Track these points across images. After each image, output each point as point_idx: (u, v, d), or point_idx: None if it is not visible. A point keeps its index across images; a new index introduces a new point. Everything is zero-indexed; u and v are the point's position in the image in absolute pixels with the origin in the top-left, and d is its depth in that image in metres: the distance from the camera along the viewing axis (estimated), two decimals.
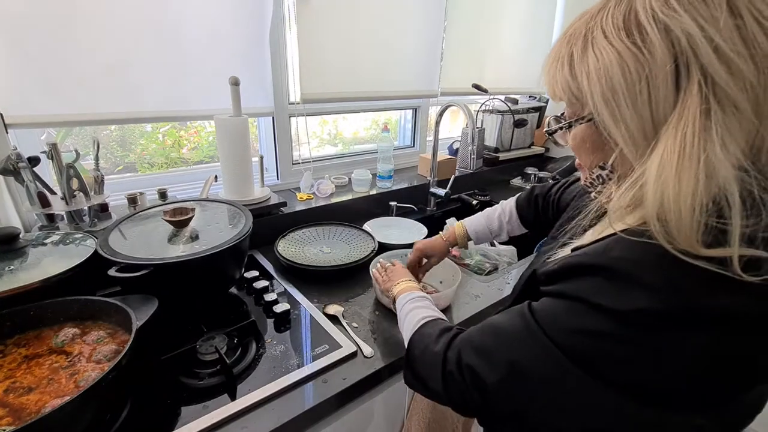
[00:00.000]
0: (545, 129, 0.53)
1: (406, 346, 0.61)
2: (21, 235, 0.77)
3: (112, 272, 0.69)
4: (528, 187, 1.79)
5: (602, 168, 0.45)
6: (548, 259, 0.50)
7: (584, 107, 0.43)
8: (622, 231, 0.39)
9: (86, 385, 0.52)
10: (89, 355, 0.61)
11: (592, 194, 0.49)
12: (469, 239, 0.95)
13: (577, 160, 0.50)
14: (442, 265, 0.99)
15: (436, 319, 0.61)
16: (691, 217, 0.33)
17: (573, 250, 0.46)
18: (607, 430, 0.41)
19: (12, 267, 0.72)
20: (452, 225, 0.97)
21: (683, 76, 0.35)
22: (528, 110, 1.86)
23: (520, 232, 0.95)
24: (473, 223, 0.96)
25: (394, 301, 0.75)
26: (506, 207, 0.95)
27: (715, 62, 0.33)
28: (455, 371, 0.49)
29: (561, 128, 0.48)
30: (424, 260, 0.96)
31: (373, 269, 0.90)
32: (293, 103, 1.32)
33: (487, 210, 0.97)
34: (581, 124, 0.44)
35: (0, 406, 0.52)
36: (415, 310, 0.64)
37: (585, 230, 0.49)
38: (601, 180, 0.46)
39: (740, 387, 0.38)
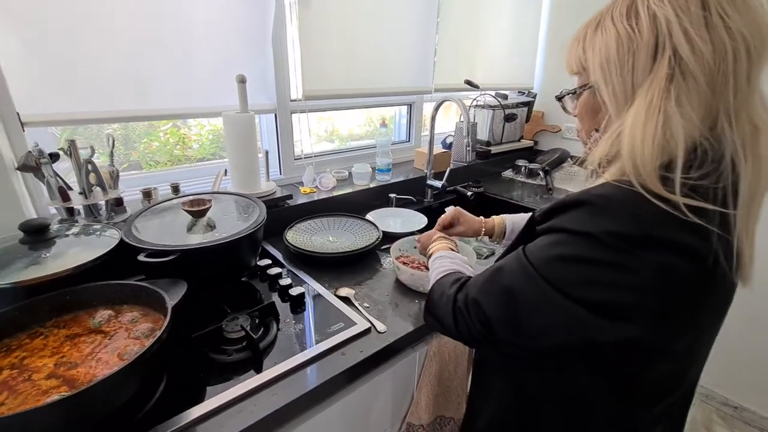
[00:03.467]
0: (556, 95, 0.63)
1: (428, 293, 0.70)
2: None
3: (141, 257, 0.74)
4: (519, 179, 1.89)
5: (597, 131, 0.57)
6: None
7: (588, 77, 0.54)
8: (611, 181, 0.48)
9: (131, 358, 0.56)
10: (127, 334, 0.66)
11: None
12: (504, 236, 0.97)
13: (578, 130, 0.62)
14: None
15: (454, 272, 0.70)
16: (651, 157, 0.44)
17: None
18: (579, 342, 0.49)
19: (45, 255, 0.75)
20: (492, 217, 0.99)
21: (659, 51, 0.46)
22: (517, 105, 1.94)
23: None
24: (515, 220, 0.97)
25: (429, 257, 0.84)
26: None
27: (683, 42, 0.44)
28: (463, 308, 0.58)
29: (570, 93, 0.60)
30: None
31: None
32: (295, 100, 1.37)
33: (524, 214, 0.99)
34: (585, 90, 0.56)
35: (54, 378, 0.57)
36: (441, 266, 0.74)
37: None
38: (596, 143, 0.56)
39: (684, 317, 0.48)
